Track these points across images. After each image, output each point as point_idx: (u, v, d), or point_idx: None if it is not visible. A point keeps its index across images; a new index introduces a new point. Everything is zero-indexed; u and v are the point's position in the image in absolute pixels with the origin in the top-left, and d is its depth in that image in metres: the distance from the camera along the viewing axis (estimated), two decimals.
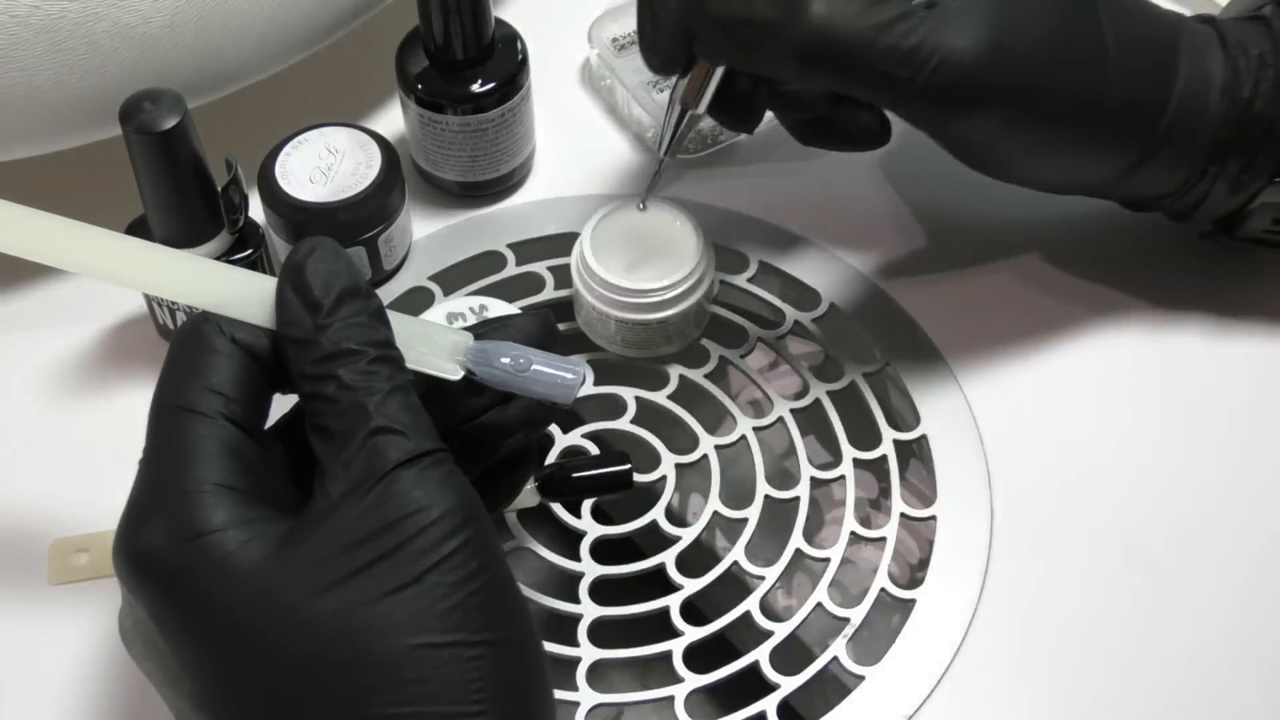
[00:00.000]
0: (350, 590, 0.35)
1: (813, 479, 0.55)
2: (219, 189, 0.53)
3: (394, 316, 0.39)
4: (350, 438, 0.36)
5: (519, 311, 0.54)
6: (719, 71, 0.51)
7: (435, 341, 0.40)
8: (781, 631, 0.51)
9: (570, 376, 0.40)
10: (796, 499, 0.55)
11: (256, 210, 0.57)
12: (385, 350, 0.37)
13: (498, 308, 0.57)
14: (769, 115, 0.55)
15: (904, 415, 0.57)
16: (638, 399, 0.57)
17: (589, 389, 0.57)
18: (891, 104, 0.49)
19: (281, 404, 0.40)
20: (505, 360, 0.40)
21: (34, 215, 0.40)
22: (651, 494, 0.55)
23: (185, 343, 0.38)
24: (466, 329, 0.41)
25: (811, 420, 0.57)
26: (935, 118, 0.50)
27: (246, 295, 0.39)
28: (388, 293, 0.60)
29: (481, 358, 0.40)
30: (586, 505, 0.54)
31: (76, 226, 0.40)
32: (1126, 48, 0.50)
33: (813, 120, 0.55)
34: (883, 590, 0.52)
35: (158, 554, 0.36)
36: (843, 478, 0.55)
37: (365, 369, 0.37)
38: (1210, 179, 0.53)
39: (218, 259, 0.54)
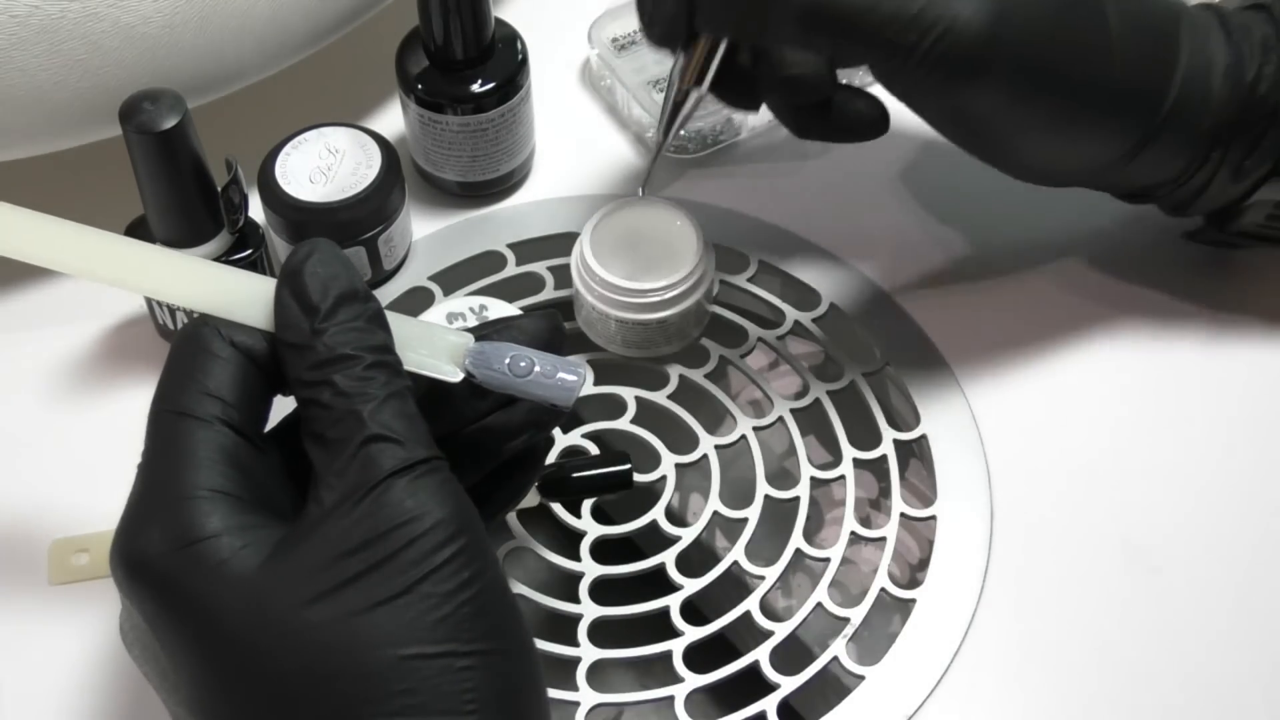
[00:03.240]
0: (341, 600, 0.35)
1: (813, 479, 0.55)
2: (219, 189, 0.53)
3: (393, 318, 0.39)
4: (344, 445, 0.36)
5: (522, 313, 0.53)
6: (722, 46, 0.50)
7: (435, 343, 0.40)
8: (781, 631, 0.51)
9: (572, 379, 0.40)
10: (796, 499, 0.55)
11: (256, 210, 0.57)
12: (382, 355, 0.37)
13: (498, 308, 0.57)
14: (769, 117, 0.55)
15: (904, 415, 0.57)
16: (638, 399, 0.57)
17: (589, 389, 0.57)
18: (894, 72, 0.49)
19: (282, 406, 0.40)
20: (505, 362, 0.40)
21: (31, 217, 0.40)
22: (651, 494, 0.55)
23: (184, 347, 0.38)
24: (471, 330, 0.41)
25: (811, 420, 0.57)
26: (936, 88, 0.49)
27: (245, 298, 0.39)
28: (388, 293, 0.60)
29: (481, 360, 0.40)
30: (586, 505, 0.54)
31: (73, 228, 0.40)
32: (1129, 26, 0.50)
33: (811, 109, 0.54)
34: (883, 590, 0.52)
35: (153, 560, 0.36)
36: (843, 478, 0.55)
37: (361, 375, 0.37)
38: (1213, 165, 0.52)
39: (218, 259, 0.54)
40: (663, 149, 0.53)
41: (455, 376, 0.40)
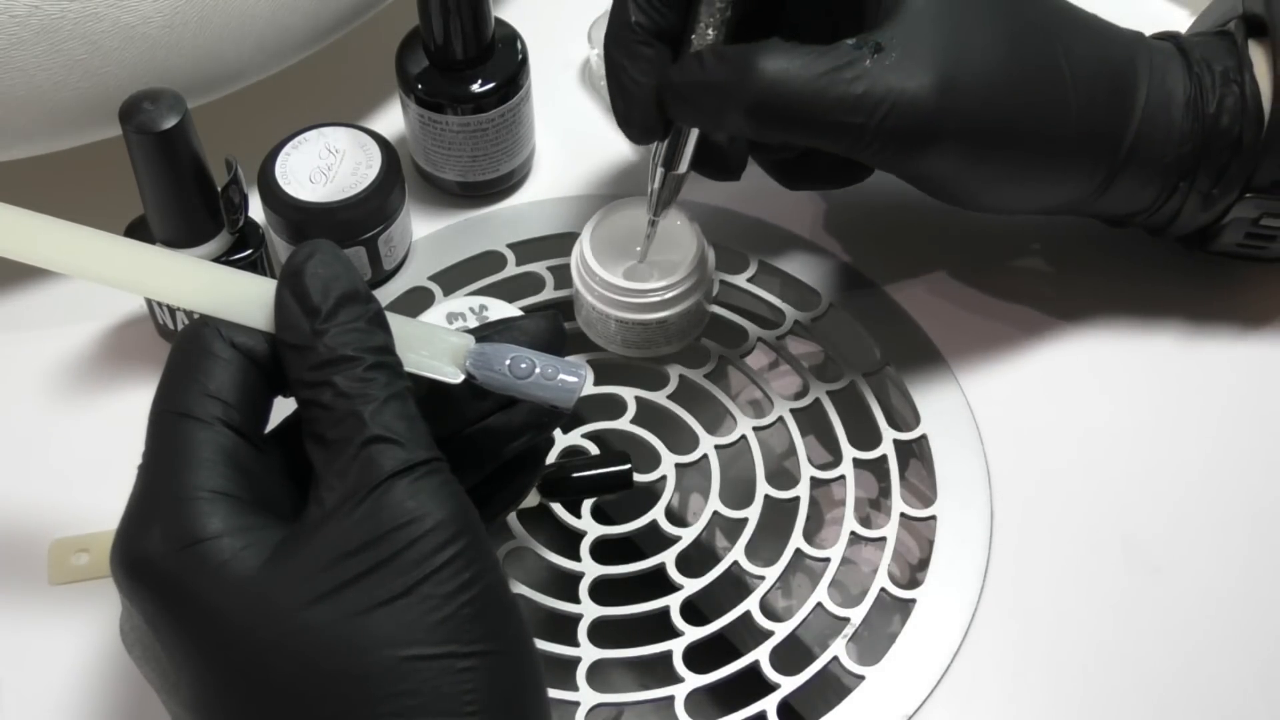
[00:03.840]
0: (341, 601, 0.35)
1: (813, 479, 0.55)
2: (219, 189, 0.53)
3: (394, 319, 0.39)
4: (345, 446, 0.36)
5: (523, 314, 0.54)
6: (694, 133, 0.52)
7: (436, 344, 0.40)
8: (781, 631, 0.51)
9: (573, 380, 0.40)
10: (796, 499, 0.55)
11: (256, 210, 0.57)
12: (382, 356, 0.37)
13: (498, 308, 0.57)
14: None
15: (904, 415, 0.57)
16: (638, 399, 0.57)
17: (589, 389, 0.57)
18: (848, 150, 0.49)
19: (283, 407, 0.40)
20: (506, 363, 0.40)
21: (30, 217, 0.40)
22: (651, 494, 0.55)
23: (185, 347, 0.38)
24: (472, 331, 0.41)
25: (811, 420, 0.57)
26: (893, 159, 0.50)
27: (246, 298, 0.39)
28: (388, 293, 0.60)
29: (482, 361, 0.40)
30: (586, 505, 0.54)
31: (73, 229, 0.40)
32: (1083, 72, 0.50)
33: (794, 163, 0.56)
34: (883, 590, 0.52)
35: (153, 561, 0.36)
36: (843, 478, 0.55)
37: (361, 376, 0.37)
38: (1181, 195, 0.53)
39: (218, 259, 0.54)
40: (656, 228, 0.54)
41: (456, 378, 0.40)
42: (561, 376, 0.40)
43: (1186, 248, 0.57)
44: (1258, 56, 0.52)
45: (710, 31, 0.50)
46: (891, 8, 0.49)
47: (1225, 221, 0.53)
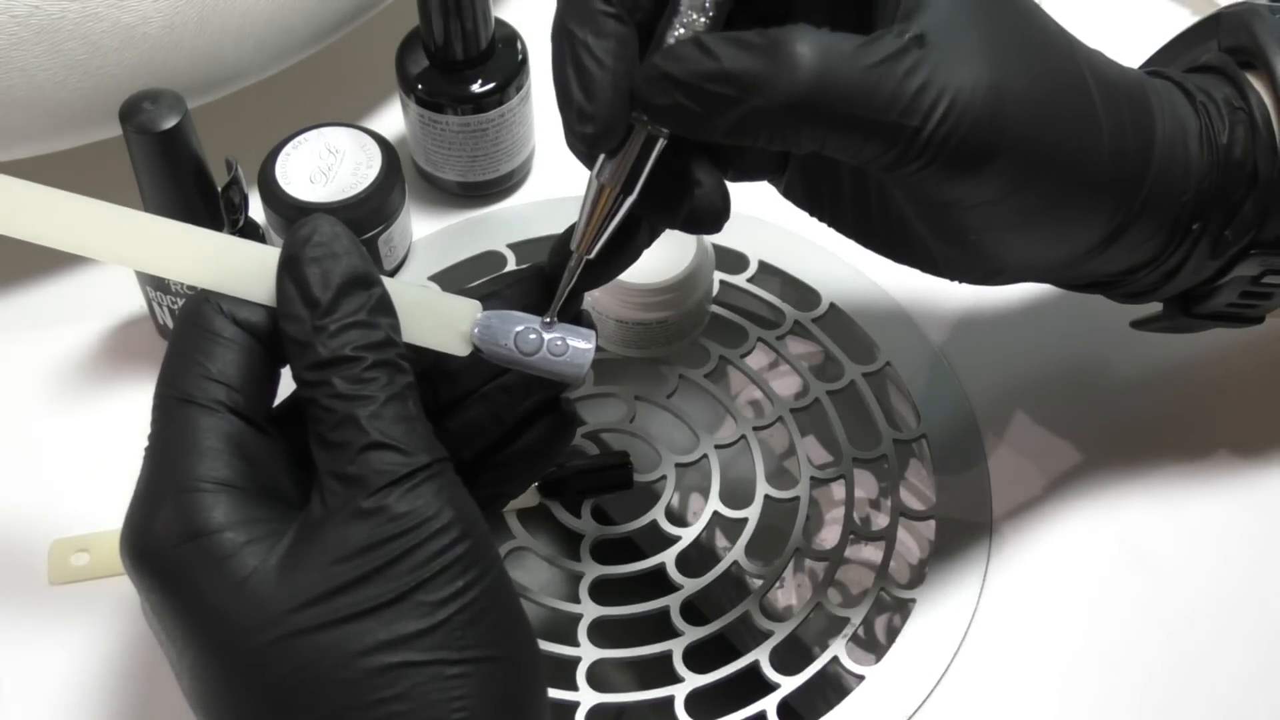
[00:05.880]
0: (333, 606, 0.35)
1: (813, 479, 0.55)
2: (219, 189, 0.53)
3: (399, 289, 0.39)
4: (344, 450, 0.36)
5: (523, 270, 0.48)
6: (660, 142, 0.40)
7: (441, 314, 0.39)
8: (781, 631, 0.51)
9: (581, 350, 0.39)
10: (796, 499, 0.55)
11: (256, 210, 0.57)
12: (383, 353, 0.37)
13: None
14: None
15: (904, 415, 0.57)
16: (638, 399, 0.57)
17: (589, 389, 0.57)
18: (893, 163, 0.40)
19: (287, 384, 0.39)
20: (512, 335, 0.39)
21: (16, 184, 0.39)
22: (651, 494, 0.55)
23: (186, 327, 0.38)
24: (487, 282, 0.40)
25: (811, 420, 0.57)
26: (937, 180, 0.41)
27: (248, 272, 0.38)
28: None
29: (488, 336, 0.39)
30: (586, 505, 0.54)
31: (67, 198, 0.39)
32: (1109, 93, 0.44)
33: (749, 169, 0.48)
34: (883, 590, 0.52)
35: (158, 552, 0.36)
36: (843, 478, 0.55)
37: (361, 376, 0.36)
38: (1192, 240, 0.47)
39: None
40: (580, 267, 0.41)
41: (463, 351, 0.39)
42: (571, 348, 0.39)
43: (1153, 324, 0.52)
44: (1255, 86, 0.48)
45: (701, 19, 0.39)
46: (915, 2, 0.40)
47: (1223, 281, 0.48)
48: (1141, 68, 0.50)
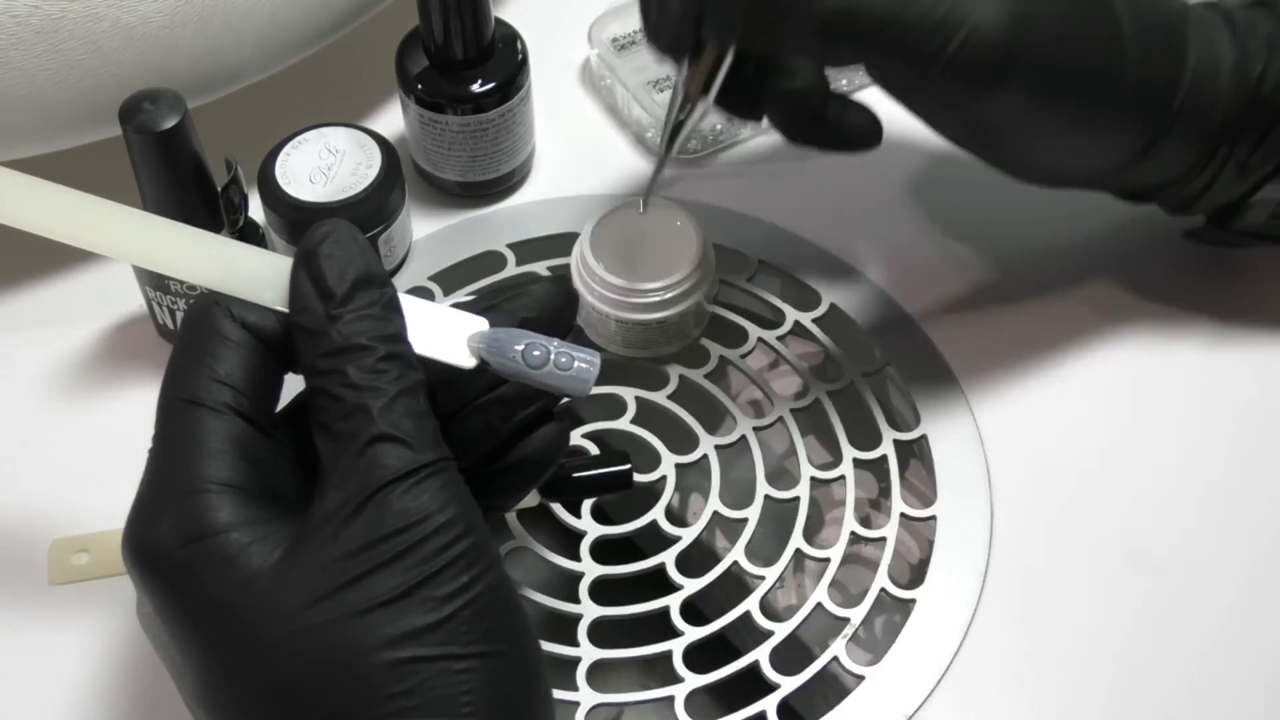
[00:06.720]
0: (340, 602, 0.35)
1: (813, 479, 0.55)
2: (219, 189, 0.53)
3: (408, 301, 0.39)
4: (351, 442, 0.36)
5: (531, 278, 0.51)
6: (729, 56, 0.48)
7: (449, 328, 0.40)
8: (781, 631, 0.51)
9: (587, 366, 0.39)
10: (796, 499, 0.55)
11: (256, 210, 0.57)
12: (395, 346, 0.37)
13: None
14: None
15: (904, 415, 0.57)
16: (638, 399, 0.57)
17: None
18: (918, 78, 0.47)
19: (294, 383, 0.39)
20: (518, 348, 0.39)
21: (32, 183, 0.39)
22: (651, 494, 0.55)
23: (194, 328, 0.38)
24: (482, 298, 0.40)
25: (811, 420, 0.57)
26: (958, 93, 0.48)
27: (258, 276, 0.39)
28: None
29: (495, 348, 0.39)
30: (586, 505, 0.54)
31: (80, 197, 0.39)
32: (1139, 23, 0.49)
33: (807, 118, 0.53)
34: (883, 590, 0.52)
35: (162, 553, 0.36)
36: (843, 478, 0.55)
37: (374, 367, 0.36)
38: (1219, 162, 0.52)
39: None
40: (666, 160, 0.52)
41: (468, 363, 0.40)
42: (577, 364, 0.39)
43: (1202, 235, 0.56)
44: None
45: None
46: None
47: (1252, 201, 0.53)
48: None
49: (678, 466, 0.56)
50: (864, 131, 0.53)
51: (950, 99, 0.48)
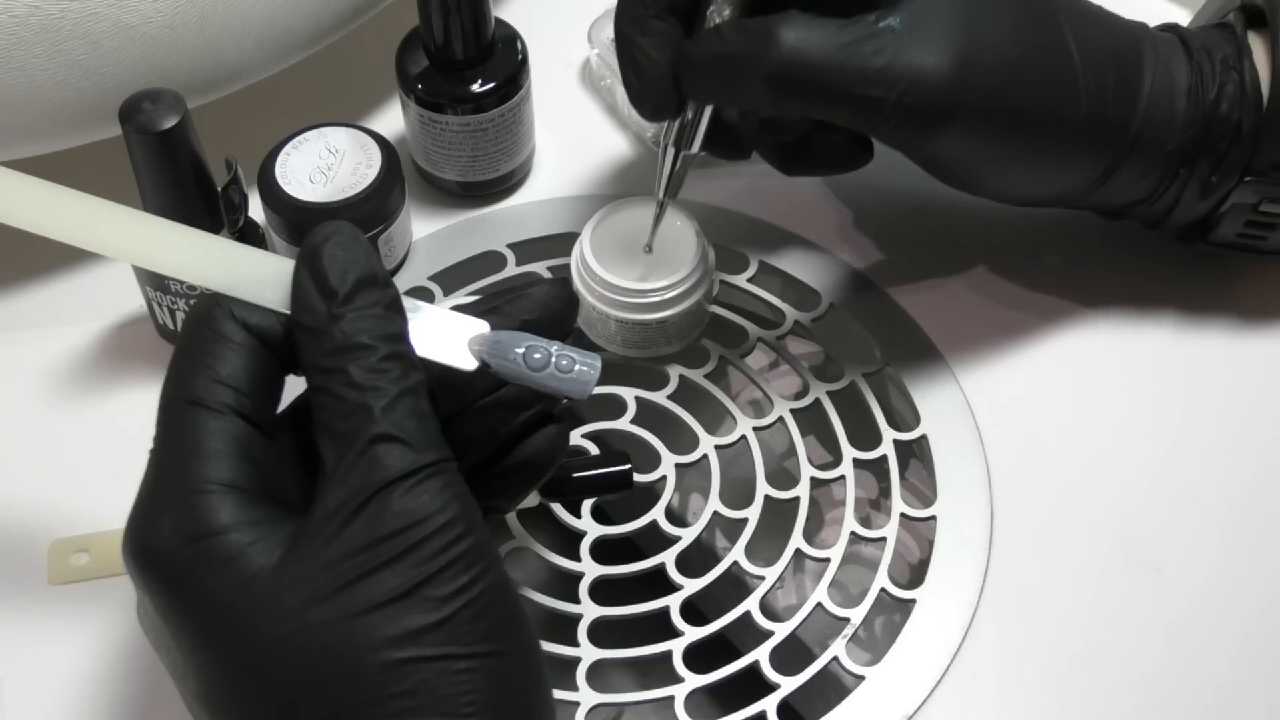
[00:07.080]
0: (340, 602, 0.35)
1: (813, 479, 0.55)
2: (219, 189, 0.53)
3: (409, 304, 0.39)
4: (352, 441, 0.36)
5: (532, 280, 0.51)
6: (708, 110, 0.52)
7: (450, 331, 0.40)
8: (781, 631, 0.51)
9: (589, 371, 0.40)
10: (796, 499, 0.55)
11: (256, 210, 0.57)
12: (397, 346, 0.37)
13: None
14: None
15: (904, 415, 0.57)
16: (638, 399, 0.57)
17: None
18: (864, 126, 0.50)
19: (294, 386, 0.40)
20: (520, 351, 0.39)
21: (39, 185, 0.39)
22: (651, 494, 0.55)
23: (196, 329, 0.38)
24: (482, 300, 0.41)
25: (811, 420, 0.57)
26: (908, 137, 0.50)
27: (261, 277, 0.39)
28: None
29: (497, 350, 0.39)
30: (586, 505, 0.54)
31: (80, 197, 0.39)
32: (1092, 57, 0.51)
33: (793, 147, 0.55)
34: (883, 590, 0.52)
35: (164, 552, 0.36)
36: (843, 478, 0.55)
37: (376, 366, 0.36)
38: (1180, 183, 0.53)
39: None
40: (665, 209, 0.54)
41: (470, 365, 0.40)
42: (578, 367, 0.40)
43: (1185, 241, 0.57)
44: (1257, 45, 0.53)
45: (727, 8, 0.50)
46: None
47: (1224, 210, 0.54)
48: (1193, 21, 0.58)
49: (678, 466, 0.56)
50: (850, 151, 0.55)
51: (900, 141, 0.51)
